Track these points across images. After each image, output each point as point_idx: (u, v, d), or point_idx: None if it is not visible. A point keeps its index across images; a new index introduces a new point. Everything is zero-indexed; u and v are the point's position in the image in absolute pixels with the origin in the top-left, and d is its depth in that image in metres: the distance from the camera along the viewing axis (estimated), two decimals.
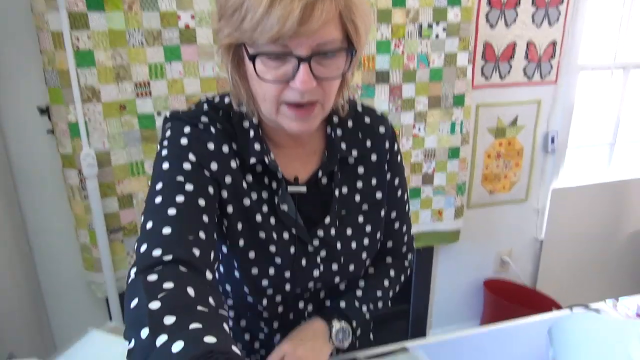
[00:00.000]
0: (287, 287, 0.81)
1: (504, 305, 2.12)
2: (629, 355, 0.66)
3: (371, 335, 1.02)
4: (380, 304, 0.89)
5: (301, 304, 0.87)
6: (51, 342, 1.62)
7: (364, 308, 0.86)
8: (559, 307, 2.05)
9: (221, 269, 0.84)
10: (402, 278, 0.95)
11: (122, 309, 1.55)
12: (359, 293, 0.87)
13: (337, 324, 0.81)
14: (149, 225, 0.62)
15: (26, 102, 1.40)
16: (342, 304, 0.84)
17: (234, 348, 0.45)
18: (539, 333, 0.94)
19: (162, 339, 0.44)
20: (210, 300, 0.53)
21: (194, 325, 0.45)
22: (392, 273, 0.93)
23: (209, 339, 0.43)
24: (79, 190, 1.44)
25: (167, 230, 0.61)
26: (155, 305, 0.48)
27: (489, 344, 0.94)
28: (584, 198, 2.34)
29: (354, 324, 0.83)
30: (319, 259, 0.81)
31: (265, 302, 0.82)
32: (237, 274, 0.80)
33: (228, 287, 0.86)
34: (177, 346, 0.42)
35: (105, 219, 1.46)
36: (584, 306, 1.06)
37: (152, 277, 0.53)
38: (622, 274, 2.66)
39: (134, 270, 0.57)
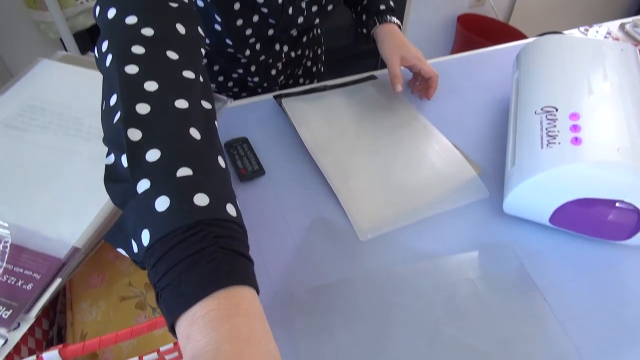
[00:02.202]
0: (270, 32, 0.79)
1: (475, 41, 2.11)
2: (587, 72, 0.67)
3: None
4: None
5: (277, 47, 0.86)
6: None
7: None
8: None
9: None
10: None
11: (78, 48, 1.48)
12: None
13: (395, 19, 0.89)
14: None
15: None
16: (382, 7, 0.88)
17: (228, 208, 0.36)
18: (507, 60, 0.95)
19: (143, 185, 0.34)
20: (203, 104, 0.42)
21: (183, 172, 0.35)
22: None
23: (200, 200, 0.34)
24: None
25: None
26: (135, 135, 0.36)
27: (456, 71, 0.95)
28: None
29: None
30: (303, 4, 0.78)
31: (248, 52, 0.82)
32: (217, 27, 0.76)
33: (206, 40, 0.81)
34: (162, 204, 0.33)
35: None
36: (556, 33, 1.04)
37: (132, 70, 0.39)
38: (603, 4, 2.60)
39: (105, 43, 0.42)
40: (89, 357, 0.49)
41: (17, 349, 0.44)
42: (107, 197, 0.37)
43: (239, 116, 0.82)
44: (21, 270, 0.43)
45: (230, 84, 0.93)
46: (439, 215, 0.66)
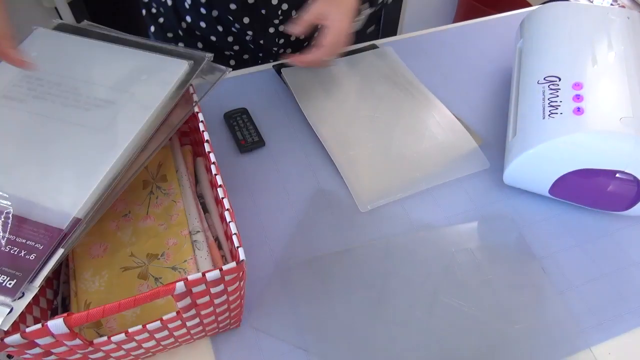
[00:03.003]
0: None
1: (478, 9, 2.07)
2: (592, 41, 0.66)
3: None
4: None
5: (275, 0, 0.82)
6: None
7: None
8: None
9: None
10: None
11: (74, 17, 1.46)
12: None
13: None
14: None
15: None
16: None
17: None
18: (510, 29, 0.93)
19: None
20: None
21: None
22: None
23: None
24: None
25: None
26: None
27: (458, 40, 0.93)
28: None
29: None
30: None
31: None
32: None
33: None
34: None
35: None
36: (561, 0, 1.02)
37: None
38: None
39: None
40: (93, 326, 0.49)
41: (22, 318, 0.44)
42: (107, 167, 0.36)
43: (239, 86, 0.81)
44: (23, 241, 0.43)
45: (231, 39, 0.89)
46: (438, 186, 0.66)
